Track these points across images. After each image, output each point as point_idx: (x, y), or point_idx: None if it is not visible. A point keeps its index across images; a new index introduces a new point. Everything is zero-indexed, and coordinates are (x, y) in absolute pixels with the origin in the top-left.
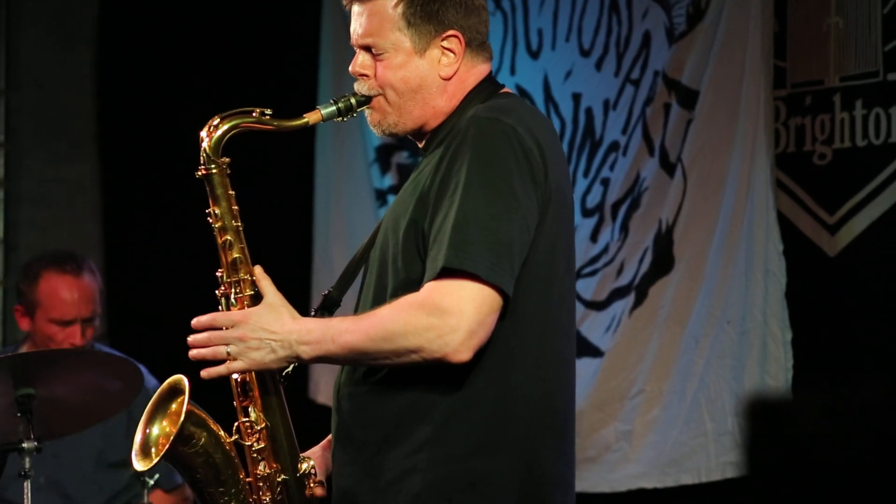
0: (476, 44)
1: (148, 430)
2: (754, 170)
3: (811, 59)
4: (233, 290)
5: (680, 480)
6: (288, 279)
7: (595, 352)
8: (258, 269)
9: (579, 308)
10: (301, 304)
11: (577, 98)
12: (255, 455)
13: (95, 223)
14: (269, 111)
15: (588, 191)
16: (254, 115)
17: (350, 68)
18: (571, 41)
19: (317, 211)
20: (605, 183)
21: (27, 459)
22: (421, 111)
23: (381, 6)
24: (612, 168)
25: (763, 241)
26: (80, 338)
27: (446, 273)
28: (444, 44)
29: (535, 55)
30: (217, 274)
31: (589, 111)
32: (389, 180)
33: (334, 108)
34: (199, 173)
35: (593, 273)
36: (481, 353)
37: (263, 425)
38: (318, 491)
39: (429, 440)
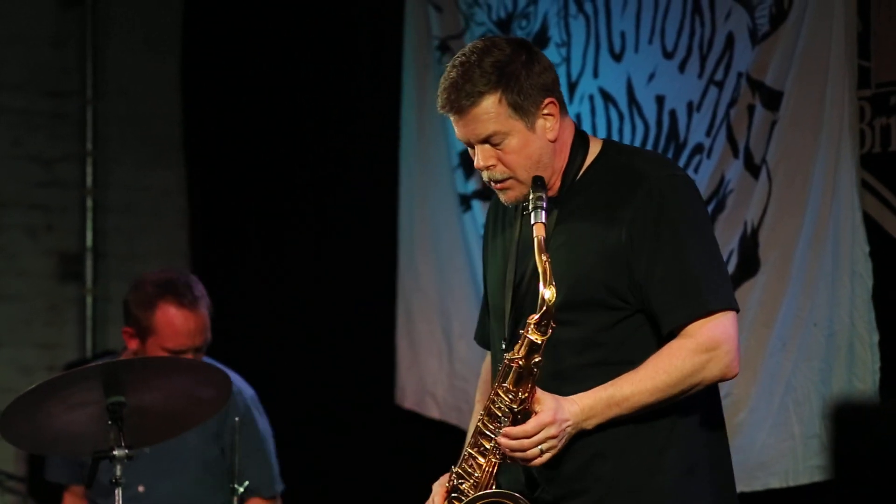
0: (561, 100)
1: None
2: (839, 171)
3: None
4: (529, 405)
5: (768, 484)
6: (373, 285)
7: None
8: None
9: None
10: (386, 310)
11: (660, 100)
12: None
13: (182, 230)
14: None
15: None
16: (543, 258)
17: (476, 164)
18: (654, 43)
19: (401, 216)
20: None
21: (118, 467)
22: (547, 174)
23: (488, 105)
24: (696, 170)
25: (849, 243)
26: None
27: (708, 313)
28: (545, 111)
29: (618, 58)
30: (510, 396)
31: (672, 113)
32: (473, 185)
33: (541, 210)
34: (522, 364)
35: None
36: None
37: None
38: None
39: (671, 440)
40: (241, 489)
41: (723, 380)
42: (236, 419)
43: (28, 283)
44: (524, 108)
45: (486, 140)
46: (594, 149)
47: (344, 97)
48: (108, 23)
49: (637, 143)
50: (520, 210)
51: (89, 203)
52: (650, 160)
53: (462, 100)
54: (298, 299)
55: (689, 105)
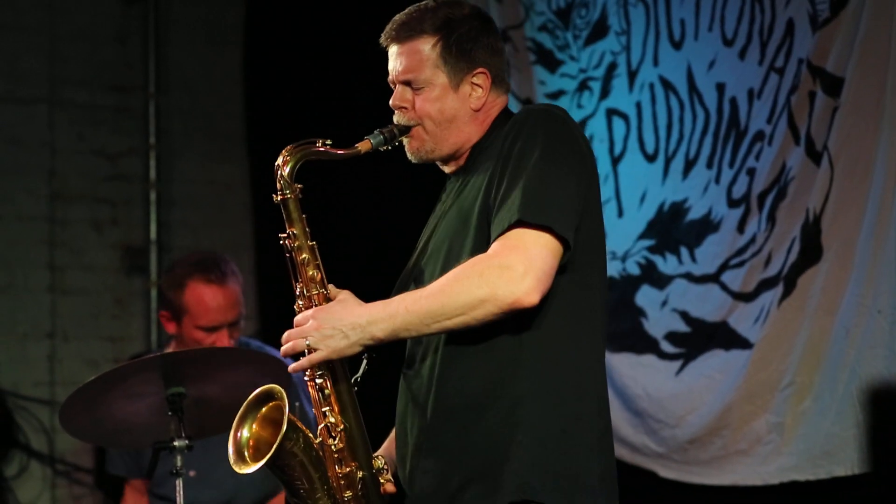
0: (499, 79)
1: (239, 435)
2: None
3: None
4: (312, 303)
5: (833, 472)
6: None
7: (744, 343)
8: (331, 286)
9: (727, 300)
10: None
11: (720, 88)
12: (335, 455)
13: (246, 223)
14: (329, 141)
15: (734, 181)
16: (317, 144)
17: (391, 102)
18: (714, 31)
19: None
20: (751, 173)
21: (178, 457)
22: (455, 138)
23: (420, 46)
24: (757, 158)
25: None
26: (228, 340)
27: (511, 228)
28: (474, 80)
29: (677, 46)
30: (296, 289)
31: (733, 101)
32: None
33: (381, 137)
34: (277, 199)
35: (741, 264)
36: (549, 313)
37: (342, 427)
38: (390, 487)
39: (522, 397)
40: None
41: (517, 305)
42: (296, 404)
43: (94, 276)
44: (454, 66)
45: (407, 82)
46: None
47: None
48: (170, 18)
49: (698, 132)
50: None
51: (153, 197)
52: (525, 106)
53: (402, 31)
54: (362, 290)
55: (750, 92)
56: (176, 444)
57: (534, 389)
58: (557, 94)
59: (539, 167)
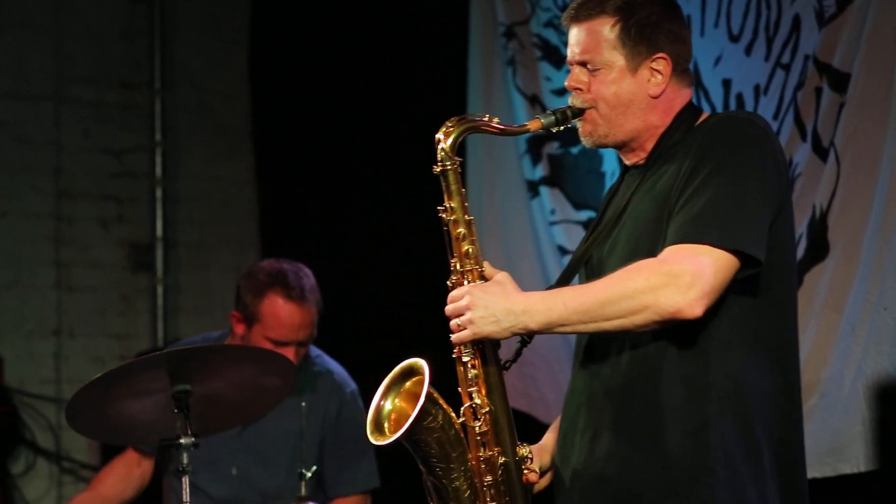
0: (681, 69)
1: (381, 404)
2: None
3: None
4: (465, 279)
5: (839, 470)
6: (442, 273)
7: None
8: (486, 264)
9: None
10: None
11: (727, 84)
12: (478, 438)
13: (252, 220)
14: (496, 119)
15: None
16: (484, 118)
17: (566, 82)
18: (720, 27)
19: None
20: None
21: (185, 455)
22: (632, 125)
23: (599, 26)
24: None
25: None
26: (294, 358)
27: (696, 243)
28: (654, 65)
29: None
30: (451, 264)
31: (739, 97)
32: (541, 171)
33: (553, 117)
34: (437, 170)
35: None
36: (736, 335)
37: (487, 409)
38: (533, 477)
39: (711, 421)
40: (309, 474)
41: (678, 316)
42: (333, 410)
43: (100, 273)
44: (632, 48)
45: (584, 63)
46: (699, 120)
47: (410, 86)
48: (176, 15)
49: None
50: (618, 182)
51: (159, 193)
52: (740, 112)
53: (581, 11)
54: (366, 290)
55: (756, 88)
56: (182, 441)
57: (723, 414)
58: (563, 91)
59: (731, 181)
